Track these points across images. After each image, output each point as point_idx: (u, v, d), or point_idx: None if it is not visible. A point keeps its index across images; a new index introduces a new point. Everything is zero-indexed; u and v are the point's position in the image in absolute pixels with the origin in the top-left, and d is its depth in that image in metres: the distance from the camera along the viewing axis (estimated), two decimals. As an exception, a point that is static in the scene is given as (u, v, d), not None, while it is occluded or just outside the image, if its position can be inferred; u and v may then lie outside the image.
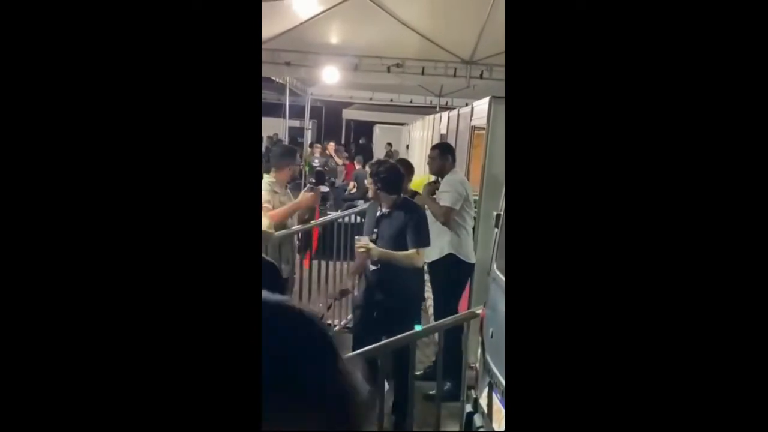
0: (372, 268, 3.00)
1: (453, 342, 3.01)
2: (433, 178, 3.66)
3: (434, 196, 3.37)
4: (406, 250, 2.87)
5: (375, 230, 2.95)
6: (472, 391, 2.51)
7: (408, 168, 3.51)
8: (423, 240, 2.89)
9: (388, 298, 2.90)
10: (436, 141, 5.87)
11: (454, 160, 3.53)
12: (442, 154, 3.47)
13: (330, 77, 6.06)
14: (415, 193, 3.46)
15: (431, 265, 3.34)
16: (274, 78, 7.36)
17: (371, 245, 2.85)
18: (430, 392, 3.13)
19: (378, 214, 2.97)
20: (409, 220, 2.85)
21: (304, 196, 3.30)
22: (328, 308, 4.17)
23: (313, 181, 4.77)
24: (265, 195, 3.05)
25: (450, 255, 3.32)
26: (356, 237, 3.04)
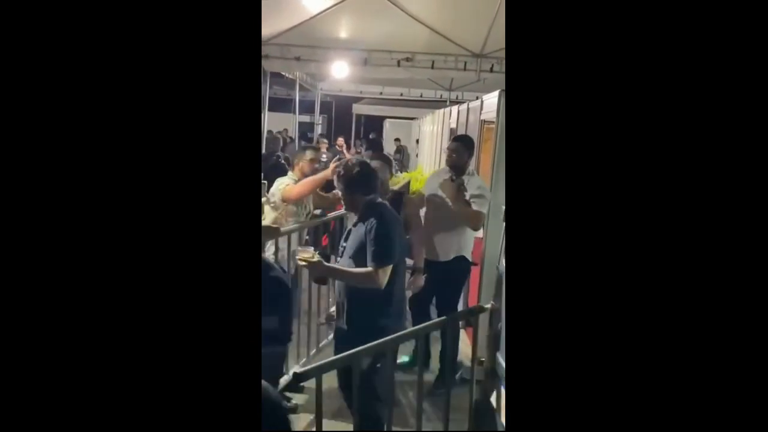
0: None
1: (453, 338, 3.02)
2: (439, 173, 3.55)
3: (466, 199, 3.13)
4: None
5: (343, 244, 2.42)
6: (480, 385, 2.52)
7: (387, 163, 3.21)
8: (383, 255, 2.24)
9: (350, 328, 2.34)
10: (447, 136, 5.85)
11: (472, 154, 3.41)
12: (466, 148, 3.29)
13: (340, 72, 6.08)
14: (399, 194, 3.18)
15: (442, 264, 3.20)
16: (283, 73, 7.38)
17: (315, 258, 2.29)
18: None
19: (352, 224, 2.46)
20: (370, 230, 2.26)
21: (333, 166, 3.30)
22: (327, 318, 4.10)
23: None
24: (287, 180, 3.28)
25: (461, 257, 3.27)
26: (298, 247, 2.47)
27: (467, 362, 3.14)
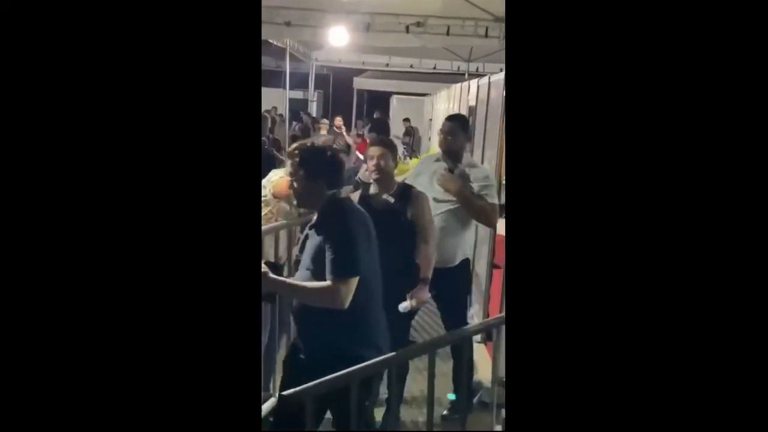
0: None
1: (467, 354, 2.98)
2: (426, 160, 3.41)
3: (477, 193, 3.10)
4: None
5: (298, 254, 2.27)
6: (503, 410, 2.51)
7: (390, 149, 2.96)
8: (345, 266, 2.08)
9: (304, 359, 2.20)
10: (464, 113, 5.83)
11: (469, 138, 3.39)
12: (463, 130, 3.26)
13: (338, 39, 6.05)
14: (407, 188, 2.97)
15: (448, 271, 3.09)
16: (272, 41, 7.36)
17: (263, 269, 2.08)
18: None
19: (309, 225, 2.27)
20: (329, 234, 2.10)
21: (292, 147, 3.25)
22: None
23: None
24: (281, 172, 3.24)
25: (466, 260, 3.26)
26: None
27: (487, 383, 3.13)
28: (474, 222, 3.30)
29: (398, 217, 2.81)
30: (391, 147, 2.97)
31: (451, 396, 3.24)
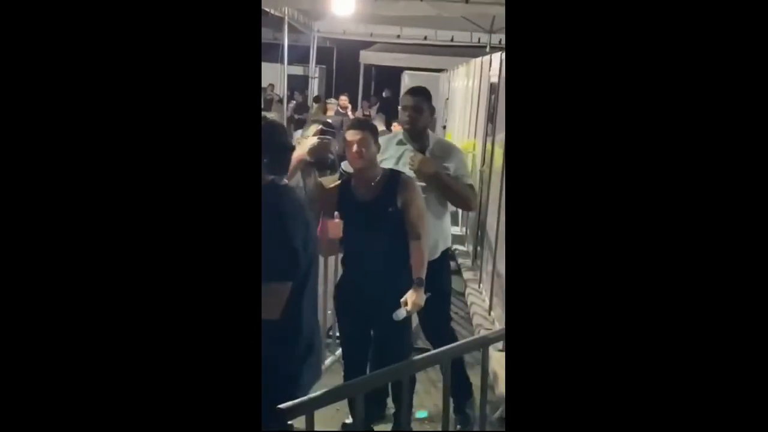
0: None
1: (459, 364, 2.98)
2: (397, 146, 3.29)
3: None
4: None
5: None
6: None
7: (370, 131, 2.88)
8: (275, 268, 1.90)
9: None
10: (486, 93, 5.81)
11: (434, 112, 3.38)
12: (429, 104, 3.24)
13: (342, 8, 6.04)
14: (394, 173, 2.90)
15: (430, 265, 2.96)
16: (268, 9, 7.35)
17: None
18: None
19: None
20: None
21: (309, 142, 3.20)
22: None
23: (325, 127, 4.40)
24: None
25: (446, 250, 3.28)
26: None
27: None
28: (450, 208, 3.31)
29: (386, 208, 2.75)
30: (371, 129, 2.87)
31: (421, 414, 3.22)
